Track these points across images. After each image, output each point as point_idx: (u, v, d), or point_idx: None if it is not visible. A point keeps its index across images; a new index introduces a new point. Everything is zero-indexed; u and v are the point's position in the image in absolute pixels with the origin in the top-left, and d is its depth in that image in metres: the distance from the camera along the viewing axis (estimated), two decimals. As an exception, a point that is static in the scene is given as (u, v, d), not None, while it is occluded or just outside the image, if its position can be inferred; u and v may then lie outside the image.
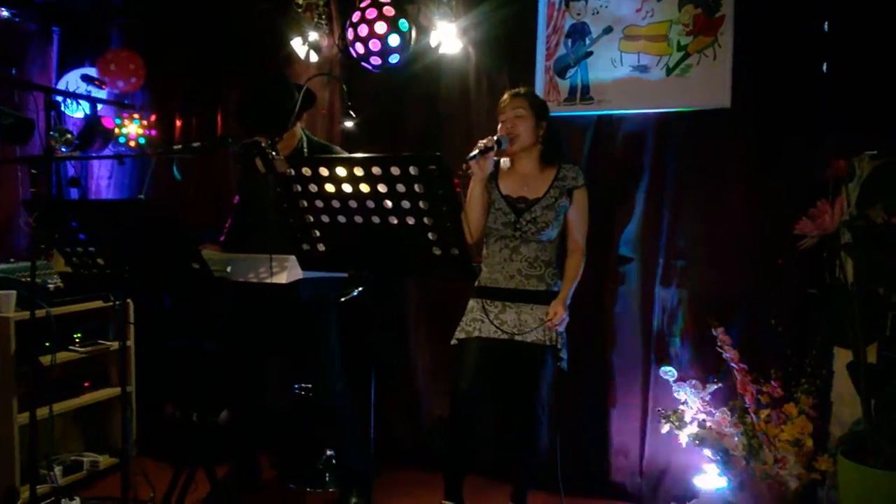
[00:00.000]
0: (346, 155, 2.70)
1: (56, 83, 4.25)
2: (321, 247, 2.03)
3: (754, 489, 2.77)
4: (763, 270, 3.01)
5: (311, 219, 1.99)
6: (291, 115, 2.65)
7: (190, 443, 2.70)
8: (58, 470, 3.21)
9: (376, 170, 1.84)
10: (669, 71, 3.16)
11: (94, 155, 4.00)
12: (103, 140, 4.15)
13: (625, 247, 3.28)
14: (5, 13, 4.12)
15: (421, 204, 1.86)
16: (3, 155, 3.91)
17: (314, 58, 3.75)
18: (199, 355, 2.78)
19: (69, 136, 3.97)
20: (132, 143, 4.21)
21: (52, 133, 3.92)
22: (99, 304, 3.35)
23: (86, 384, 3.43)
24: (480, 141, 2.65)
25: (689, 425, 2.94)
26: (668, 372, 3.06)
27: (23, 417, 2.94)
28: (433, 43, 3.51)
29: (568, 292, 2.75)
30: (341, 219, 1.96)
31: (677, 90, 3.14)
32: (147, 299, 3.47)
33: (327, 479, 3.31)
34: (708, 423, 2.90)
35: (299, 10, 3.74)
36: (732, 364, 2.88)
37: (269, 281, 2.30)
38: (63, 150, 3.91)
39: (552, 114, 3.27)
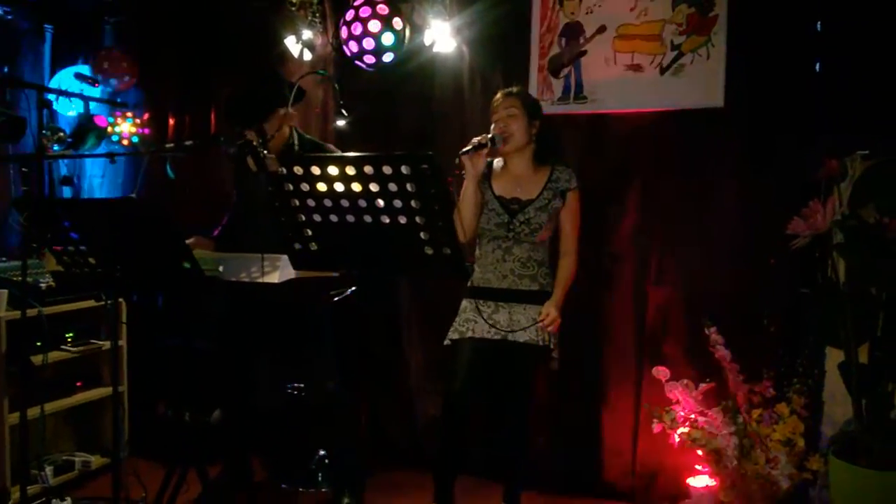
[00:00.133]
0: (337, 154, 2.69)
1: (49, 81, 4.23)
2: (313, 246, 2.03)
3: (746, 489, 2.77)
4: (755, 270, 3.02)
5: (303, 218, 1.98)
6: (276, 105, 2.64)
7: (182, 443, 2.69)
8: (49, 470, 3.20)
9: (368, 169, 1.84)
10: (663, 70, 3.16)
11: (86, 154, 3.99)
12: (96, 138, 4.13)
13: (618, 246, 3.28)
14: (-2, 11, 4.10)
15: (413, 203, 1.86)
16: (-5, 153, 3.89)
17: (308, 56, 3.74)
18: (192, 355, 2.77)
19: (62, 134, 3.96)
20: (125, 142, 4.19)
21: (44, 131, 3.92)
22: (91, 303, 3.34)
23: (78, 384, 3.42)
24: (474, 138, 2.65)
25: (682, 425, 2.94)
26: (661, 371, 3.06)
27: (14, 417, 2.93)
28: (427, 42, 3.50)
29: (561, 294, 2.75)
30: (333, 218, 1.95)
31: (671, 89, 3.14)
32: (139, 299, 3.46)
33: (320, 479, 3.30)
34: (700, 423, 2.91)
35: (293, 8, 3.72)
36: (724, 364, 2.89)
37: (260, 280, 2.30)
38: (55, 148, 3.90)
39: (546, 113, 3.29)
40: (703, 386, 2.98)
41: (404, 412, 3.68)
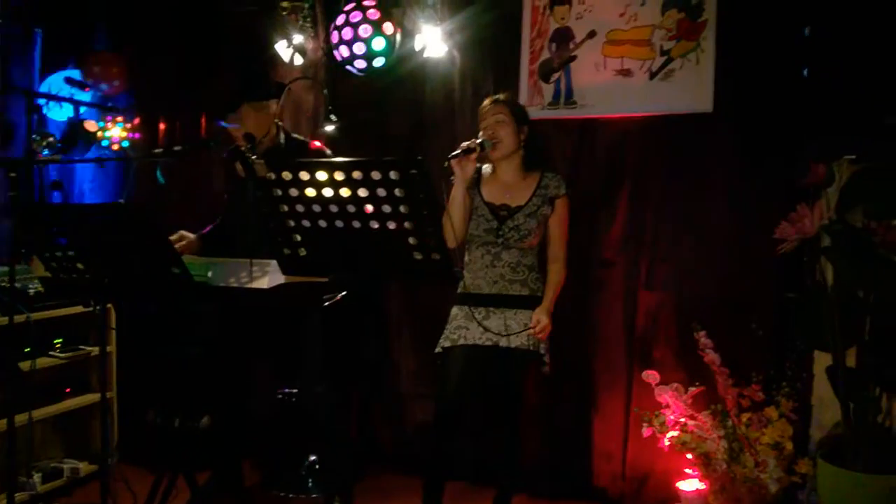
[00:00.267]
0: (326, 159, 2.69)
1: (38, 85, 4.21)
2: (302, 251, 2.02)
3: (735, 493, 2.78)
4: (744, 274, 3.03)
5: (292, 223, 1.98)
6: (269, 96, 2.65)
7: (171, 449, 2.68)
8: (37, 477, 3.18)
9: (357, 174, 1.84)
10: (653, 75, 3.17)
11: (75, 158, 3.97)
12: (86, 143, 4.12)
13: (608, 250, 3.28)
14: (-14, 15, 4.09)
15: (402, 208, 1.86)
16: (-16, 158, 3.87)
17: (299, 61, 3.74)
18: (181, 360, 2.76)
19: (51, 138, 3.95)
20: (115, 147, 4.18)
21: (34, 136, 3.91)
22: (80, 309, 3.32)
23: (66, 390, 3.41)
24: (463, 143, 2.65)
25: (671, 429, 2.95)
26: (651, 375, 3.07)
27: (1, 424, 2.90)
28: (418, 46, 3.51)
29: (551, 300, 2.76)
30: (322, 223, 1.95)
31: (660, 94, 3.15)
32: (129, 304, 3.44)
33: (310, 484, 3.30)
34: (690, 427, 2.92)
35: (284, 12, 3.72)
36: (714, 368, 2.90)
37: (250, 286, 2.29)
38: (45, 153, 3.89)
39: (536, 118, 3.30)
40: (692, 390, 2.99)
41: (394, 417, 3.67)
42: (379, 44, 3.30)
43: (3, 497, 2.92)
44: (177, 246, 2.75)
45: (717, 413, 2.89)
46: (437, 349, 2.79)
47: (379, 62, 3.36)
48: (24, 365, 2.93)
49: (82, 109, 4.14)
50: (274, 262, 2.18)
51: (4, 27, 4.15)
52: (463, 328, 2.76)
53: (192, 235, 2.90)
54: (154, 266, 2.25)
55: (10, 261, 2.70)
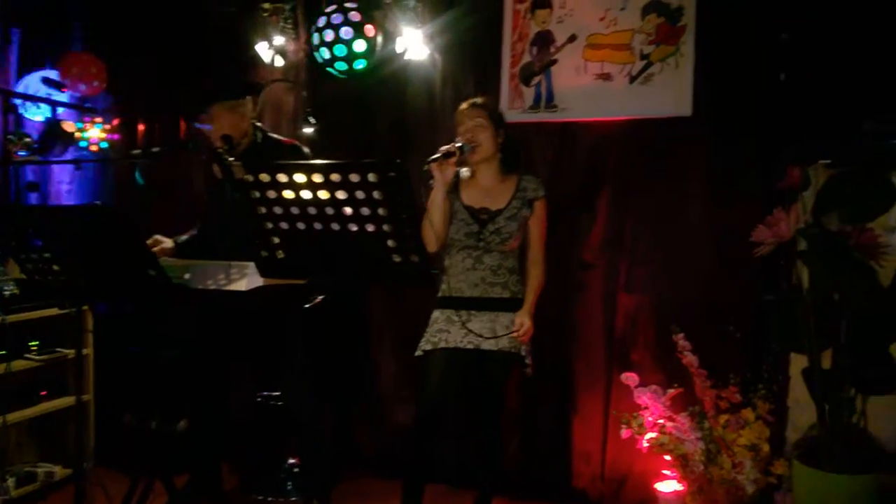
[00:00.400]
0: (304, 161, 2.68)
1: (15, 86, 4.17)
2: (280, 254, 2.01)
3: (712, 494, 2.80)
4: (722, 277, 3.06)
5: (270, 225, 1.97)
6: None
7: (147, 452, 2.65)
8: (11, 481, 3.14)
9: (335, 176, 1.84)
10: (632, 79, 3.19)
11: (51, 159, 3.93)
12: (63, 144, 4.08)
13: (588, 253, 3.30)
14: (-38, 14, 4.04)
15: (380, 211, 1.86)
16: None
17: (280, 62, 3.73)
18: (158, 363, 2.74)
19: (28, 139, 3.90)
20: (94, 148, 4.14)
21: (10, 137, 3.86)
22: (56, 311, 3.29)
23: (42, 393, 3.37)
24: (442, 146, 2.65)
25: (650, 430, 2.97)
26: (630, 377, 3.08)
27: (-25, 427, 2.88)
28: (399, 49, 3.51)
29: (533, 302, 2.76)
30: (300, 225, 1.94)
31: (640, 98, 3.18)
32: (105, 306, 3.41)
33: (289, 487, 3.28)
34: (668, 428, 2.94)
35: (265, 14, 3.72)
36: (692, 370, 2.92)
37: (228, 288, 2.28)
38: (22, 153, 3.84)
39: (517, 121, 3.32)
40: (671, 391, 3.01)
41: (375, 420, 3.67)
42: (360, 46, 3.30)
43: (-25, 502, 2.89)
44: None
45: (694, 415, 2.91)
46: (418, 352, 2.79)
47: (360, 64, 3.36)
48: (0, 367, 2.89)
49: (60, 110, 4.11)
50: (252, 265, 2.16)
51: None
52: (444, 331, 2.76)
53: (167, 240, 2.87)
54: (130, 268, 2.23)
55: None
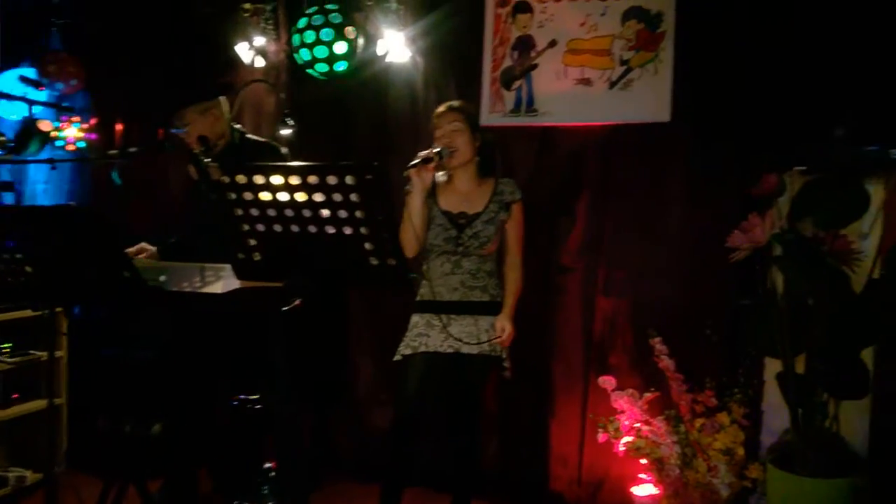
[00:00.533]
0: (281, 164, 2.67)
1: (-9, 83, 4.11)
2: (256, 256, 2.00)
3: (688, 498, 2.82)
4: (699, 281, 3.08)
5: (246, 227, 1.95)
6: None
7: (121, 456, 2.62)
8: (-19, 485, 3.10)
9: (313, 179, 1.82)
10: (612, 85, 3.21)
11: (28, 159, 3.87)
12: (40, 143, 4.02)
13: (567, 256, 3.32)
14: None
15: (358, 214, 1.85)
16: (-69, 157, 3.76)
17: (260, 63, 3.71)
18: (132, 365, 2.71)
19: (2, 138, 3.84)
20: (71, 147, 4.09)
21: (-16, 135, 3.81)
22: (28, 313, 3.24)
23: (14, 396, 3.32)
24: (421, 152, 2.65)
25: (626, 434, 2.98)
26: (607, 381, 3.09)
27: (-55, 430, 2.83)
28: (381, 51, 3.50)
29: (512, 306, 2.77)
30: (277, 227, 1.93)
31: (619, 104, 3.20)
32: (80, 309, 3.37)
33: (266, 492, 3.25)
34: (644, 432, 2.95)
35: (246, 14, 3.70)
36: (668, 373, 2.94)
37: (204, 290, 2.26)
38: (-3, 153, 3.79)
39: (498, 125, 3.33)
40: (647, 395, 3.03)
41: (353, 423, 3.65)
42: (341, 48, 3.29)
43: (-56, 506, 2.84)
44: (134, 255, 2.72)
45: (670, 418, 2.93)
46: (397, 357, 2.78)
47: (341, 66, 3.35)
48: (-30, 370, 2.84)
49: (37, 109, 4.05)
50: (228, 267, 2.14)
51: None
52: (424, 335, 2.76)
53: (151, 248, 2.85)
54: (105, 270, 2.21)
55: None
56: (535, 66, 3.34)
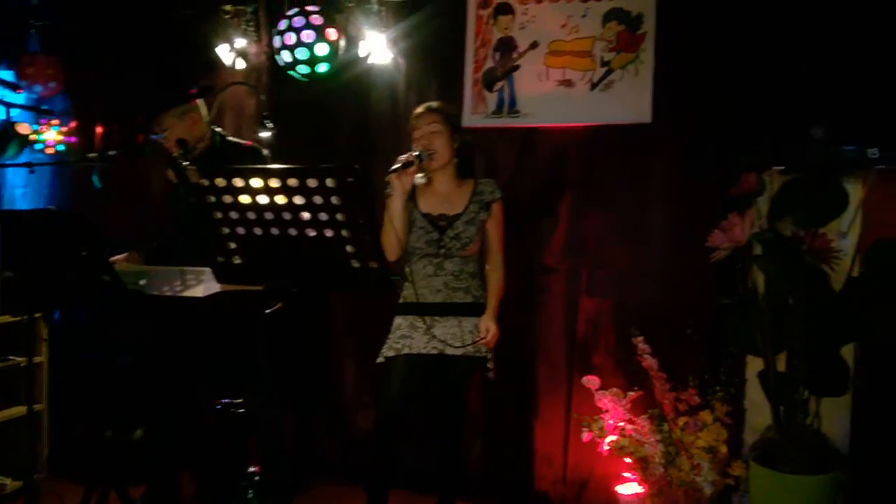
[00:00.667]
0: (261, 167, 2.66)
1: (-33, 86, 4.06)
2: (237, 259, 1.99)
3: (672, 496, 2.83)
4: (681, 280, 3.10)
5: (226, 230, 1.95)
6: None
7: (102, 462, 2.60)
8: (-39, 493, 3.06)
9: (293, 181, 1.83)
10: (593, 86, 3.23)
11: (5, 163, 3.84)
12: (18, 146, 3.98)
13: (550, 257, 3.32)
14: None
15: (338, 217, 1.85)
16: None
17: (241, 65, 3.69)
18: (112, 370, 2.69)
19: (-21, 141, 3.81)
20: (50, 150, 4.05)
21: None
22: (7, 318, 3.20)
23: (-7, 402, 3.28)
24: (400, 156, 2.64)
25: (610, 433, 2.99)
26: (591, 381, 3.11)
27: (-78, 438, 2.79)
28: (362, 53, 3.50)
29: (496, 306, 2.77)
30: (257, 231, 1.93)
31: (601, 105, 3.21)
32: (60, 313, 3.33)
33: (250, 496, 3.23)
34: (628, 431, 2.96)
35: (227, 16, 3.68)
36: (652, 372, 2.95)
37: (184, 294, 2.25)
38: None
39: (480, 126, 3.34)
40: (631, 395, 3.04)
41: (337, 426, 3.64)
42: (322, 49, 3.28)
43: (-79, 515, 2.80)
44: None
45: (654, 417, 2.94)
46: (380, 359, 2.78)
47: (322, 68, 3.34)
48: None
49: (15, 112, 4.01)
50: (209, 270, 2.13)
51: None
52: (407, 338, 2.75)
53: (139, 256, 2.82)
54: (84, 274, 2.19)
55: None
56: (516, 68, 3.34)
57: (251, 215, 1.90)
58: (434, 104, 2.81)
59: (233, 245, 1.97)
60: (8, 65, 4.05)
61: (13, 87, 3.90)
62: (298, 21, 3.27)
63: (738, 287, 2.70)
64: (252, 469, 3.27)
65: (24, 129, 3.95)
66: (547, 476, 3.31)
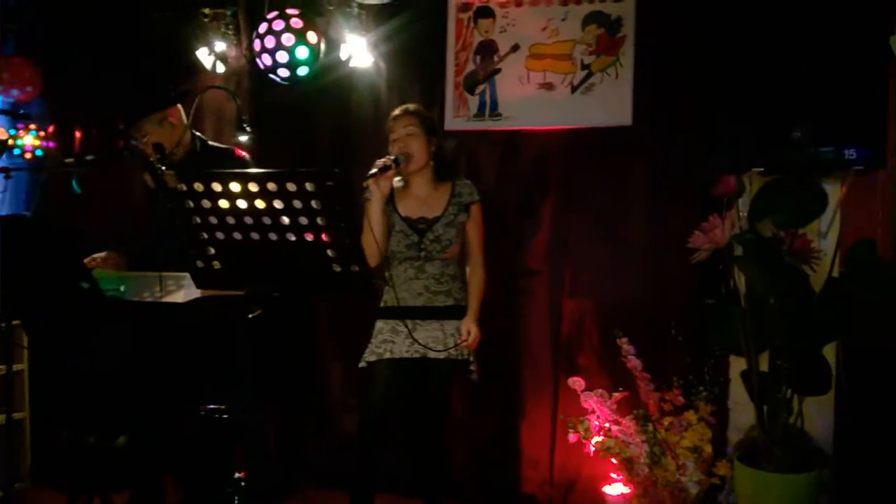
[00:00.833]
0: (238, 171, 2.64)
1: (-57, 91, 4.01)
2: (216, 264, 1.98)
3: (657, 496, 2.84)
4: (664, 281, 3.12)
5: (205, 235, 1.93)
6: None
7: (86, 469, 2.57)
8: (-61, 504, 3.00)
9: (272, 186, 1.81)
10: (574, 89, 3.24)
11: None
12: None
13: (534, 260, 3.33)
14: None
15: (319, 220, 1.84)
16: None
17: (221, 68, 3.67)
18: (94, 377, 2.66)
19: (-45, 147, 3.75)
20: (28, 155, 4.00)
21: (-63, 144, 3.71)
22: (-15, 326, 3.16)
23: (-28, 411, 3.22)
24: (378, 161, 2.63)
25: (596, 434, 3.00)
26: (577, 382, 3.11)
27: None
28: (344, 56, 3.48)
29: (476, 308, 2.77)
30: (237, 235, 1.91)
31: (582, 108, 3.22)
32: (40, 321, 3.29)
33: (236, 502, 3.20)
34: (614, 432, 2.97)
35: (206, 20, 3.65)
36: (636, 373, 2.96)
37: (164, 300, 2.22)
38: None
39: (462, 129, 3.34)
40: (616, 395, 3.04)
41: (321, 430, 3.62)
42: (302, 53, 3.26)
43: None
44: (102, 262, 2.67)
45: (639, 418, 2.95)
46: (362, 363, 2.77)
47: (303, 71, 3.31)
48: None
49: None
50: (188, 276, 2.11)
51: None
52: (389, 342, 2.74)
53: (119, 256, 2.79)
54: (62, 281, 2.17)
55: None
56: (498, 71, 3.35)
57: (230, 220, 1.88)
58: (411, 106, 2.81)
59: (212, 250, 1.95)
60: (-16, 69, 4.01)
61: (-11, 92, 3.85)
62: (278, 24, 3.24)
63: (721, 288, 2.72)
64: (238, 475, 3.24)
65: (1, 134, 3.90)
66: (534, 478, 3.31)
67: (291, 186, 1.79)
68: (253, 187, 1.81)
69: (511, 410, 3.35)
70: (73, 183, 2.79)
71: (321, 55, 3.36)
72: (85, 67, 3.95)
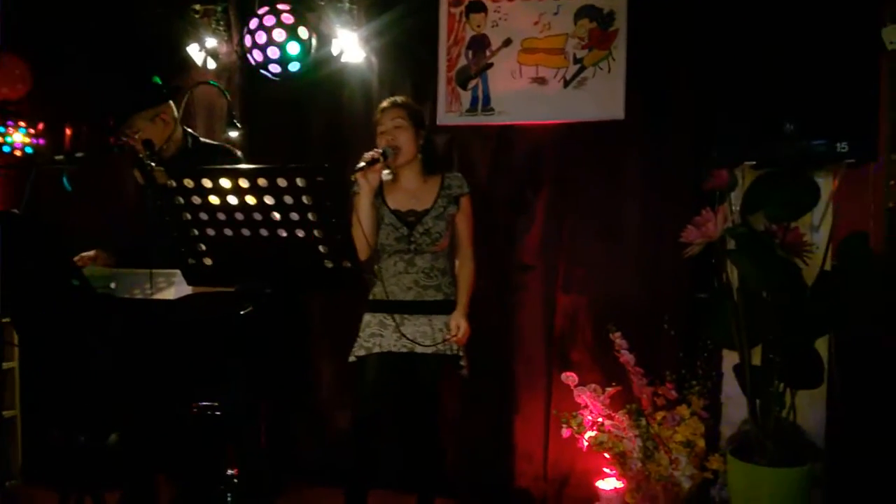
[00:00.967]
0: (229, 167, 2.63)
1: (-69, 88, 3.97)
2: (207, 261, 1.96)
3: (650, 490, 2.85)
4: (657, 276, 3.12)
5: (196, 232, 1.92)
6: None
7: (77, 468, 2.55)
8: (-70, 504, 2.99)
9: (262, 181, 1.80)
10: (566, 83, 3.23)
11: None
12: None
13: (527, 254, 3.32)
14: None
15: (310, 216, 1.83)
16: None
17: (212, 64, 3.65)
18: (84, 375, 2.64)
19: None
20: (18, 153, 3.98)
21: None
22: (-24, 324, 3.14)
23: (-38, 410, 3.22)
24: (366, 153, 2.62)
25: (589, 429, 3.00)
26: (570, 377, 3.11)
27: None
28: (335, 51, 3.47)
29: (466, 302, 2.76)
30: (227, 232, 1.90)
31: (574, 102, 3.21)
32: (28, 318, 3.27)
33: (229, 499, 3.20)
34: (606, 426, 2.97)
35: (197, 15, 3.64)
36: (629, 368, 2.96)
37: (155, 297, 2.21)
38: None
39: (454, 124, 3.32)
40: (609, 390, 3.05)
41: (315, 427, 3.62)
42: (294, 48, 3.24)
43: None
44: (90, 260, 2.65)
45: (632, 412, 2.95)
46: (352, 358, 2.76)
47: (294, 66, 3.30)
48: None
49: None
50: (179, 273, 2.10)
51: None
52: (377, 336, 2.74)
53: (107, 254, 2.77)
54: (52, 278, 2.15)
55: None
56: (490, 66, 3.34)
57: (221, 216, 1.87)
58: (399, 99, 2.80)
59: (203, 247, 1.94)
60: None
61: (-22, 88, 3.82)
62: (269, 20, 3.23)
63: (713, 282, 2.71)
64: (230, 472, 3.24)
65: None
66: (527, 473, 3.32)
67: (282, 182, 1.78)
68: (243, 183, 1.80)
69: (504, 405, 3.35)
70: (64, 180, 2.77)
71: (312, 50, 3.35)
72: (75, 64, 3.93)
